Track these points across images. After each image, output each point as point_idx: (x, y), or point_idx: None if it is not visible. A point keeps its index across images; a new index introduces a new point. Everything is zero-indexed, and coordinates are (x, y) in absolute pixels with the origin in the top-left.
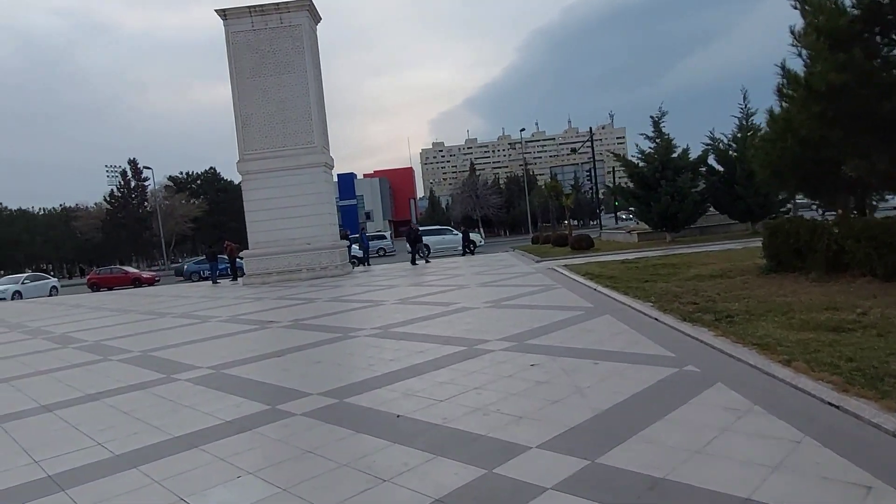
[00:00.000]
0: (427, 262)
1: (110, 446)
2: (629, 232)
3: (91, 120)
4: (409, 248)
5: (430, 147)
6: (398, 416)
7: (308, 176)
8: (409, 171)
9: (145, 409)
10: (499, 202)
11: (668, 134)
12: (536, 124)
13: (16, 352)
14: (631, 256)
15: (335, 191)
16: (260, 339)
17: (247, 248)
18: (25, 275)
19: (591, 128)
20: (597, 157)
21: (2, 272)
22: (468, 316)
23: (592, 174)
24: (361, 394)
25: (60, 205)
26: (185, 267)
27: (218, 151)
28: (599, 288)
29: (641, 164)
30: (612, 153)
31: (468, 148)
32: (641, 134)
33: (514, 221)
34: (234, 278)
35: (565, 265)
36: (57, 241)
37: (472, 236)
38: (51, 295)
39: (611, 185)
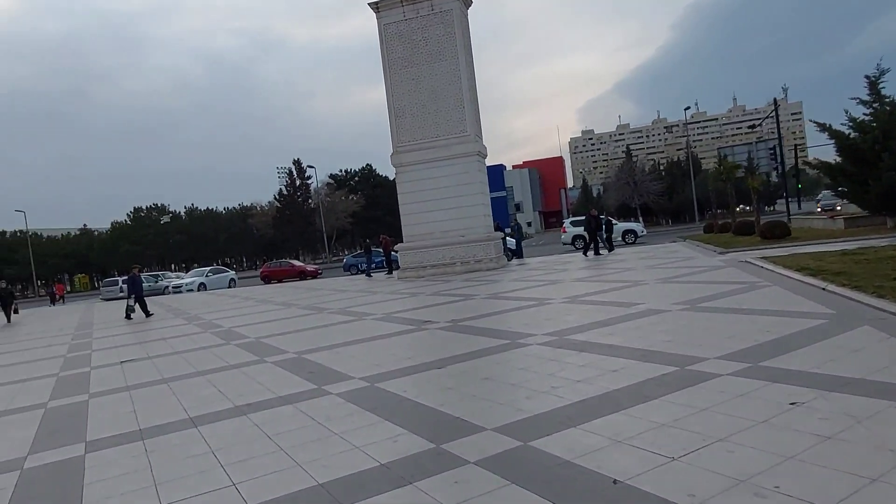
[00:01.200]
0: (600, 252)
1: (245, 490)
2: (831, 217)
3: (265, 127)
4: (587, 238)
5: (579, 135)
6: (615, 482)
7: (461, 166)
8: (558, 161)
9: (292, 433)
10: (659, 188)
11: (892, 96)
12: (696, 104)
13: (186, 347)
14: (849, 246)
15: (488, 181)
16: (417, 343)
17: (401, 242)
18: (209, 268)
19: (775, 99)
20: (772, 136)
21: (195, 265)
22: (661, 321)
23: (777, 152)
24: (550, 434)
25: (239, 204)
26: (345, 260)
27: (373, 149)
28: (831, 287)
29: (854, 134)
30: (815, 123)
31: (619, 134)
32: (853, 98)
33: (677, 209)
34: (389, 272)
35: (763, 257)
36: (237, 237)
37: (632, 225)
38: (229, 287)
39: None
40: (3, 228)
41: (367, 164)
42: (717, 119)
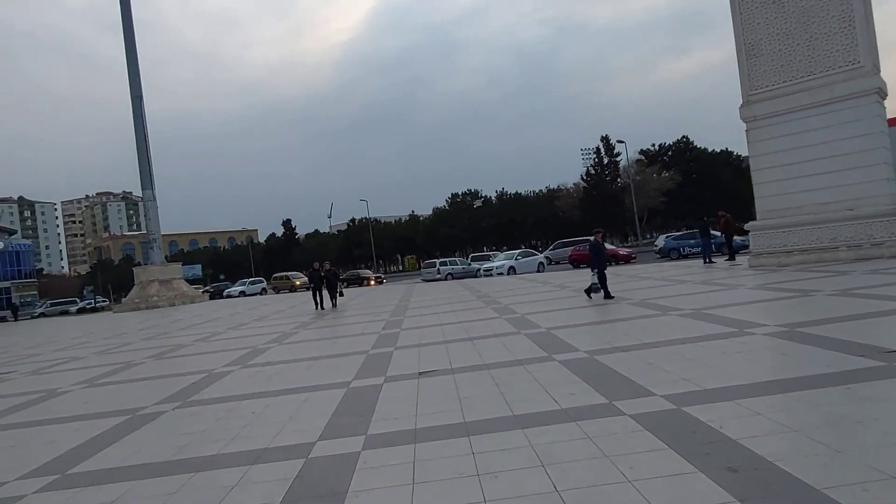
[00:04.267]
0: None
1: None
2: None
3: (569, 111)
4: None
5: None
6: None
7: (850, 111)
8: None
9: None
10: None
11: None
12: None
13: (496, 356)
14: None
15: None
16: None
17: (740, 220)
18: (519, 251)
19: None
20: None
21: (504, 248)
22: None
23: None
24: None
25: (546, 187)
26: (663, 243)
27: (687, 120)
28: None
29: None
30: None
31: None
32: None
33: None
34: (731, 257)
35: None
36: (543, 219)
37: None
38: (538, 270)
39: None
40: (353, 216)
41: (683, 137)
42: None
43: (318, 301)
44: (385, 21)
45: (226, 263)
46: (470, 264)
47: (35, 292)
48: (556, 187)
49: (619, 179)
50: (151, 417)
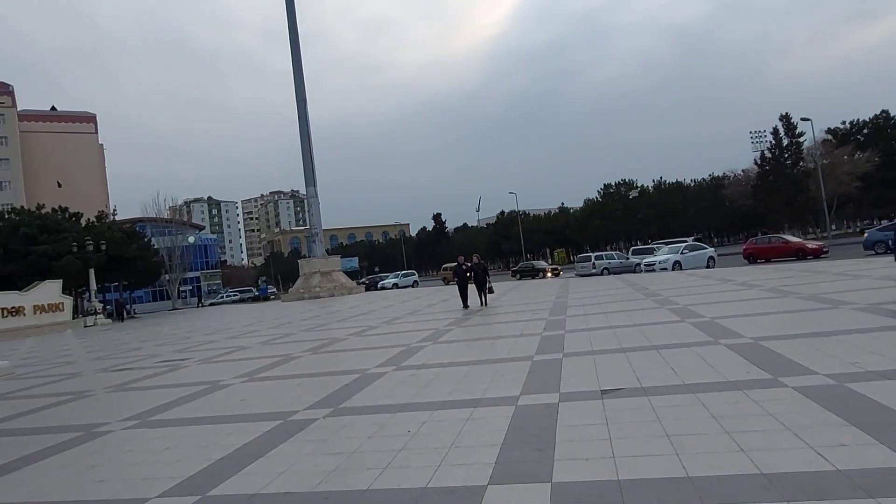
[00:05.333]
0: None
1: None
2: None
3: (736, 90)
4: None
5: None
6: None
7: None
8: None
9: None
10: None
11: None
12: None
13: (697, 373)
14: None
15: None
16: None
17: None
18: (685, 244)
19: None
20: None
21: (659, 241)
22: None
23: None
24: None
25: (710, 174)
26: (867, 235)
27: (883, 94)
28: None
29: None
30: None
31: None
32: None
33: None
34: None
35: None
36: (706, 209)
37: None
38: (708, 266)
39: None
40: (502, 209)
41: (883, 111)
42: None
43: (465, 298)
44: (531, 13)
45: (380, 256)
46: (628, 258)
47: (219, 281)
48: (722, 174)
49: (801, 163)
50: (302, 425)
